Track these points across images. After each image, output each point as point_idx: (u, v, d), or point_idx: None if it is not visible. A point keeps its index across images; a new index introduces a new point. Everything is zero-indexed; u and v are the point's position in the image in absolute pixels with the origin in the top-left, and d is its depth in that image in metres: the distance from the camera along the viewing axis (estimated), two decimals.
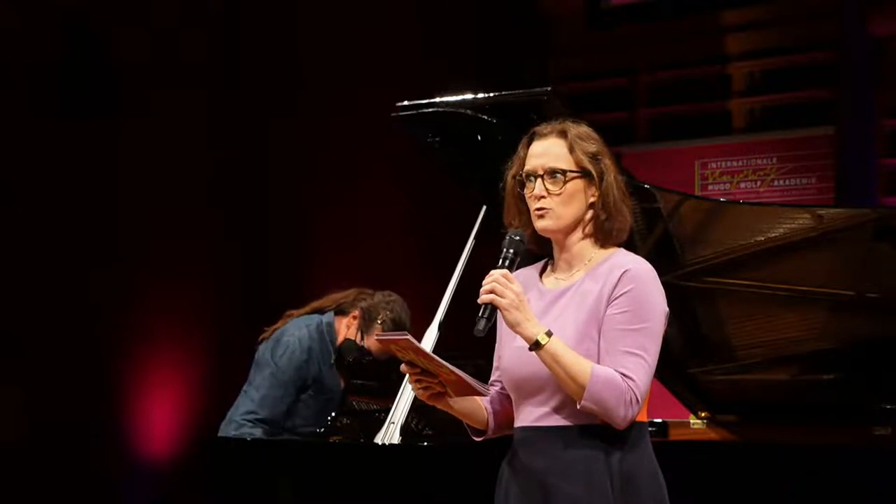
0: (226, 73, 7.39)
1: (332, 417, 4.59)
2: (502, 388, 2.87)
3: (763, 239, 4.04)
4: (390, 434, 3.93)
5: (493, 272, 2.71)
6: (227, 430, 4.55)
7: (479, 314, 2.69)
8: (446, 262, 4.16)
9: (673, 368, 4.27)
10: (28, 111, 6.59)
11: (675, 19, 7.60)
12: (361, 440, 4.40)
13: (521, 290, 2.69)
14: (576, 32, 7.92)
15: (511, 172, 2.83)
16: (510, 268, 2.74)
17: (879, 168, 7.03)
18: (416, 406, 3.98)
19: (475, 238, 4.11)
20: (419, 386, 2.77)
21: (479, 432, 2.90)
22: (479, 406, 2.87)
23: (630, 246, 2.86)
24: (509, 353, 2.80)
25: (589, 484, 2.67)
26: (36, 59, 6.64)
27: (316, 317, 4.74)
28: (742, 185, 7.34)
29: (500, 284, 2.68)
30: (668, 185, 4.08)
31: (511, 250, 2.76)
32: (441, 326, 4.03)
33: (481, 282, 2.74)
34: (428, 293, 4.65)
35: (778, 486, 3.65)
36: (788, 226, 4.01)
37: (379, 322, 4.60)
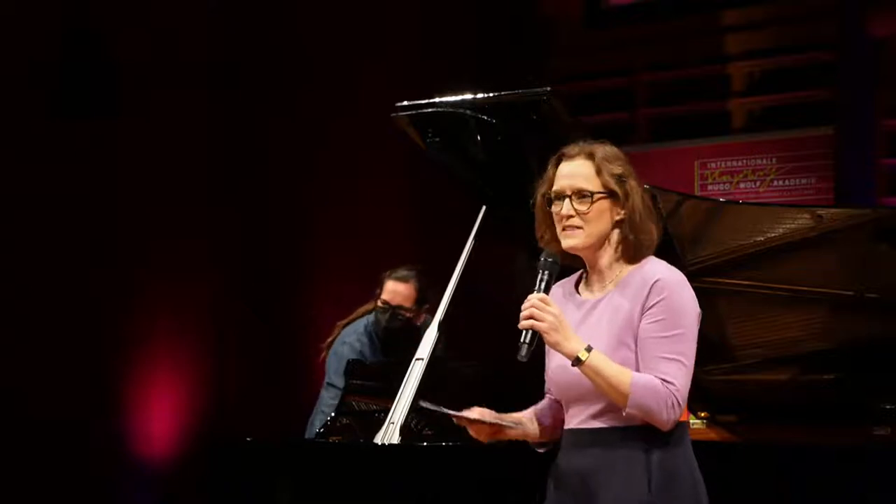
0: (226, 73, 7.38)
1: (332, 417, 4.59)
2: (554, 396, 3.03)
3: (763, 239, 4.04)
4: (390, 434, 3.93)
5: (530, 297, 2.83)
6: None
7: (521, 340, 2.81)
8: (446, 262, 4.16)
9: None
10: (28, 111, 6.59)
11: (675, 19, 7.59)
12: (361, 440, 4.39)
13: (559, 311, 2.82)
14: (575, 33, 7.91)
15: (541, 191, 2.96)
16: (546, 290, 2.86)
17: (879, 168, 7.02)
18: (416, 406, 3.98)
19: (475, 238, 4.11)
20: (471, 431, 2.96)
21: (541, 444, 3.05)
22: (530, 424, 3.02)
23: None
24: (554, 366, 2.93)
25: (628, 482, 2.81)
26: (36, 59, 6.63)
27: (362, 319, 5.05)
28: (742, 185, 7.33)
29: (538, 309, 2.80)
30: (668, 185, 4.07)
31: (546, 272, 2.89)
32: (441, 326, 4.03)
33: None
34: None
35: (778, 486, 3.65)
36: (788, 226, 4.01)
37: (385, 275, 4.93)
